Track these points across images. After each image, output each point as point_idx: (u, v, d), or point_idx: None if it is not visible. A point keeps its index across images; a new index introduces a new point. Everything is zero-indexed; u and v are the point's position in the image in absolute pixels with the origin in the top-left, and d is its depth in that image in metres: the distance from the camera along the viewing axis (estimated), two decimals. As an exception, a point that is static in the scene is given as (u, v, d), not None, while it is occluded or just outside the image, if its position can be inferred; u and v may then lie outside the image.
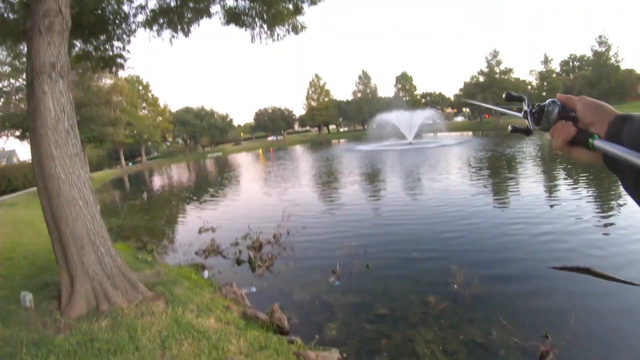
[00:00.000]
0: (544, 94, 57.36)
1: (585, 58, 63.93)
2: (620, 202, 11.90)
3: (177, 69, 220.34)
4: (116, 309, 4.55)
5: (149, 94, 53.57)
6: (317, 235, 10.56)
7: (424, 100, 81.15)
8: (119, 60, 8.99)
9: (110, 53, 8.79)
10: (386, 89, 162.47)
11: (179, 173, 39.80)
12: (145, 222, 14.54)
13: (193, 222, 13.78)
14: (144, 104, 53.00)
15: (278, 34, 9.53)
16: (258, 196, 19.24)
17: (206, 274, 7.87)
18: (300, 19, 9.54)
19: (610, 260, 7.47)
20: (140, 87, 52.38)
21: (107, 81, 28.52)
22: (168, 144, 69.95)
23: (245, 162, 45.65)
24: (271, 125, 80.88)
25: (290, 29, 9.52)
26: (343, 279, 7.48)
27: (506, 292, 6.77)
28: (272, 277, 7.92)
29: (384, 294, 6.85)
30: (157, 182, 33.96)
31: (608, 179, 15.43)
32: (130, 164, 53.43)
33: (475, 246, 9.06)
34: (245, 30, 9.19)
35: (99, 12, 7.61)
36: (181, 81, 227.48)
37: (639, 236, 8.63)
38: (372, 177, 22.82)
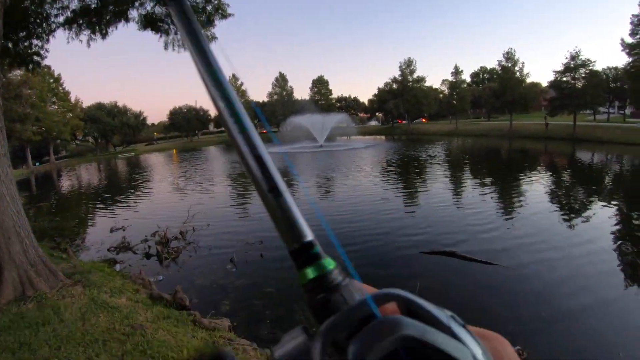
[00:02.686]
0: (454, 102, 62.63)
1: (494, 71, 69.02)
2: (516, 208, 13.98)
3: (90, 61, 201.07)
4: (40, 293, 5.56)
5: (60, 88, 49.35)
6: (220, 230, 12.09)
7: (338, 104, 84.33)
8: (36, 58, 9.23)
9: (29, 51, 8.96)
10: (302, 92, 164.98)
11: (89, 174, 38.16)
12: (56, 223, 14.75)
13: (104, 222, 14.41)
14: (54, 99, 48.66)
15: (189, 44, 10.56)
16: (167, 196, 20.14)
17: (118, 267, 8.89)
18: (211, 30, 10.21)
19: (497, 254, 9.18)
20: (51, 80, 48.03)
21: (17, 72, 25.90)
22: (78, 142, 65.15)
23: (157, 162, 44.80)
24: (185, 125, 78.44)
25: (201, 40, 10.52)
26: (239, 266, 9.04)
27: (380, 274, 8.32)
28: (177, 267, 9.23)
29: (273, 276, 8.44)
30: (67, 183, 32.53)
31: (509, 188, 18.15)
32: (37, 163, 49.10)
33: (366, 239, 10.71)
34: (160, 36, 9.70)
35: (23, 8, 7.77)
36: (94, 74, 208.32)
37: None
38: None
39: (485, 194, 16.03)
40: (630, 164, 25.58)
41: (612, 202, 13.83)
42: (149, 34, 9.58)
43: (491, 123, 63.17)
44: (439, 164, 27.94)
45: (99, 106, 63.18)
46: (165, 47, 9.95)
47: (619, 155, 28.62)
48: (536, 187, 16.92)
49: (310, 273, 0.32)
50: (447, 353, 0.24)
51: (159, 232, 11.10)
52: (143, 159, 52.01)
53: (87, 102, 65.26)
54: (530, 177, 19.96)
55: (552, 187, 17.28)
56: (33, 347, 4.33)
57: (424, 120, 78.92)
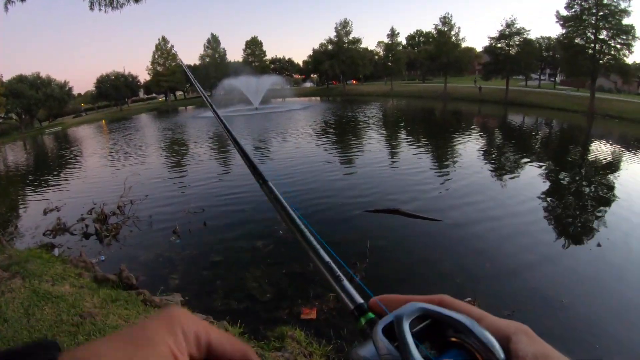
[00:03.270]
0: (389, 64, 63.52)
1: (430, 34, 69.24)
2: (454, 168, 14.85)
3: (7, 29, 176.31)
4: (-23, 292, 5.30)
5: (-23, 63, 43.79)
6: (159, 201, 11.87)
7: (273, 66, 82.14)
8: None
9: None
10: (236, 54, 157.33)
11: (15, 154, 34.96)
12: (-16, 213, 13.67)
13: (36, 204, 13.52)
14: (-28, 75, 42.91)
15: (118, 2, 9.72)
16: (100, 170, 19.24)
17: (56, 251, 8.45)
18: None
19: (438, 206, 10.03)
20: (-32, 55, 42.44)
21: None
22: (0, 120, 58.74)
23: (86, 135, 41.96)
24: (114, 94, 73.52)
25: (131, -4, 9.63)
26: (183, 237, 9.02)
27: (326, 232, 8.55)
28: (119, 245, 9.03)
29: (219, 244, 8.57)
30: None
31: (446, 148, 19.10)
32: (-42, 149, 43.67)
33: (306, 196, 11.19)
34: (85, -6, 8.86)
35: None
36: (13, 43, 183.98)
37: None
38: (214, 143, 24.13)
39: (424, 154, 17.02)
40: (559, 127, 28.70)
41: (542, 162, 15.45)
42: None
43: (426, 85, 65.60)
44: (378, 124, 28.78)
45: (21, 78, 56.77)
46: (91, 7, 9.34)
47: (548, 119, 31.61)
48: (472, 147, 18.30)
49: (362, 321, 0.45)
50: (451, 316, 0.37)
51: (95, 208, 10.62)
52: (71, 133, 48.38)
53: (6, 75, 58.56)
54: (466, 137, 21.35)
55: (487, 147, 18.78)
56: (-21, 355, 4.20)
57: (354, 82, 79.65)
